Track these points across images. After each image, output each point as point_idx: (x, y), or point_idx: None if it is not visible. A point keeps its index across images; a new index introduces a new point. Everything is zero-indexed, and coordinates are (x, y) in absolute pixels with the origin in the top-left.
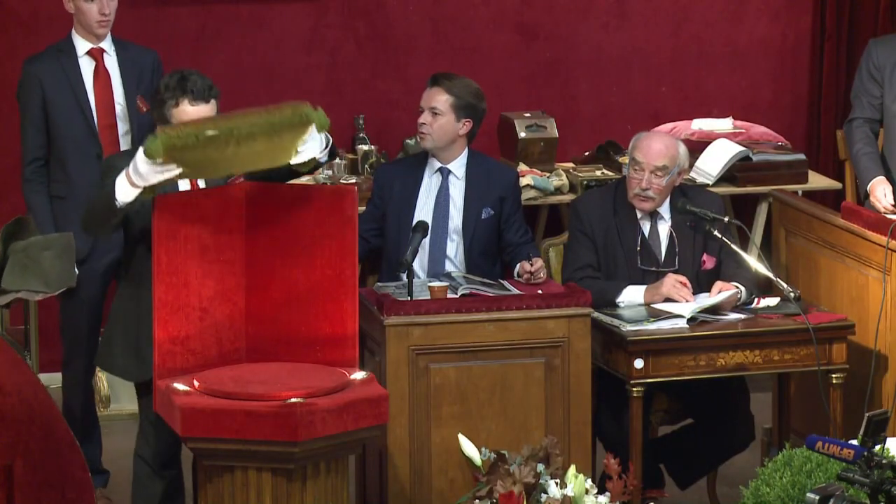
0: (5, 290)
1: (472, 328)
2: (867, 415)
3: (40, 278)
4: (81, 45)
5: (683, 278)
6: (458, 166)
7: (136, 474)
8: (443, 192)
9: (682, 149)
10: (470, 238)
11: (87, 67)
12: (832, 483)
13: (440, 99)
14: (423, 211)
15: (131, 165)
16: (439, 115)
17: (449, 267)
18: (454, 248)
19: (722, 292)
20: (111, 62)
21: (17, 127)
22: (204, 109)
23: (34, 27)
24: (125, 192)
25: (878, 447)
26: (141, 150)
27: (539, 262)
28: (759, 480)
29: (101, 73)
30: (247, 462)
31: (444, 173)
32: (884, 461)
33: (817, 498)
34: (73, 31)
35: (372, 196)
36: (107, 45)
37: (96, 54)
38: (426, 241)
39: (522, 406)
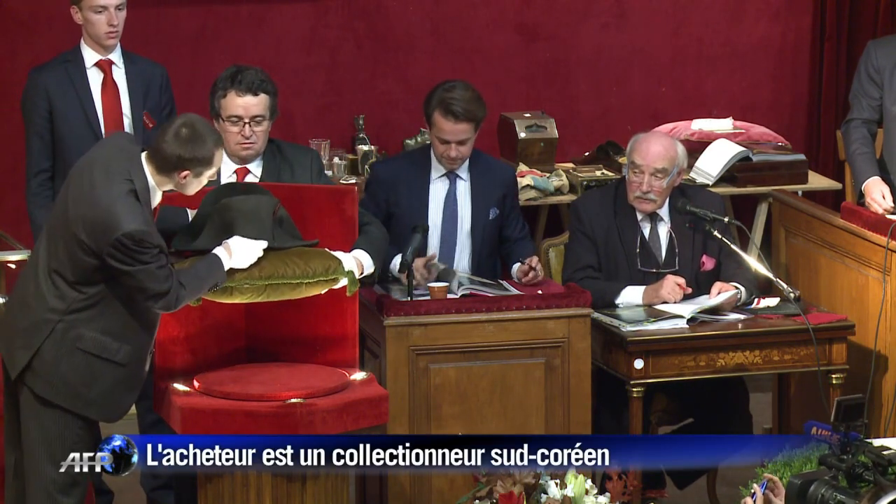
0: (199, 249)
1: (472, 328)
2: (837, 399)
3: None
4: (90, 56)
5: (682, 280)
6: (463, 169)
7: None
8: (451, 197)
9: (681, 149)
10: (480, 239)
11: (95, 79)
12: (821, 469)
13: (468, 129)
14: (433, 216)
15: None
16: (468, 141)
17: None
18: (464, 250)
19: (721, 293)
20: (119, 74)
21: (16, 128)
22: (251, 101)
23: (35, 29)
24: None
25: (861, 436)
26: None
27: (534, 259)
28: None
29: (109, 85)
30: None
31: (451, 177)
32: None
33: (799, 482)
34: (82, 42)
35: (373, 194)
36: (116, 56)
37: (105, 66)
38: (436, 245)
39: (522, 406)
